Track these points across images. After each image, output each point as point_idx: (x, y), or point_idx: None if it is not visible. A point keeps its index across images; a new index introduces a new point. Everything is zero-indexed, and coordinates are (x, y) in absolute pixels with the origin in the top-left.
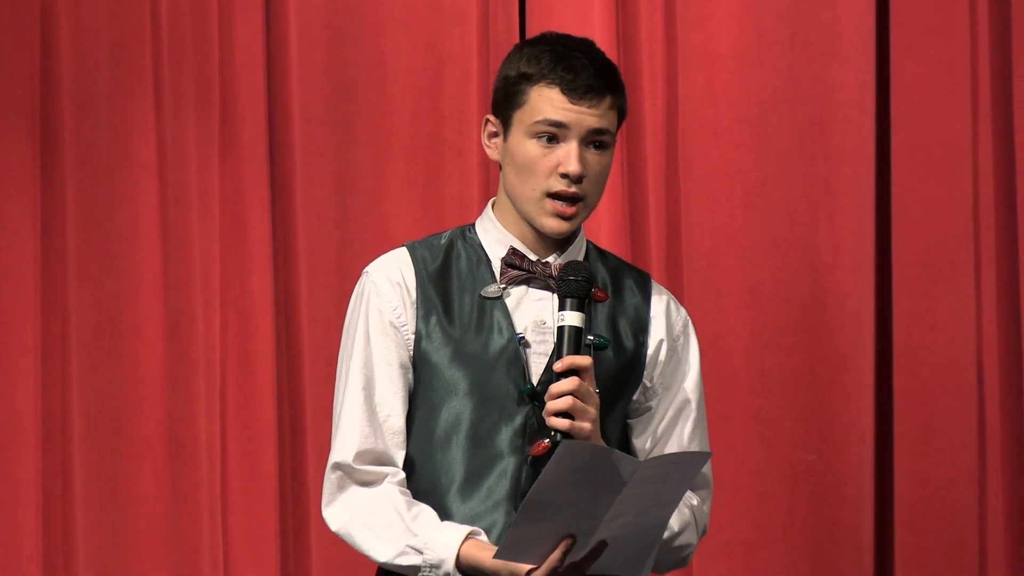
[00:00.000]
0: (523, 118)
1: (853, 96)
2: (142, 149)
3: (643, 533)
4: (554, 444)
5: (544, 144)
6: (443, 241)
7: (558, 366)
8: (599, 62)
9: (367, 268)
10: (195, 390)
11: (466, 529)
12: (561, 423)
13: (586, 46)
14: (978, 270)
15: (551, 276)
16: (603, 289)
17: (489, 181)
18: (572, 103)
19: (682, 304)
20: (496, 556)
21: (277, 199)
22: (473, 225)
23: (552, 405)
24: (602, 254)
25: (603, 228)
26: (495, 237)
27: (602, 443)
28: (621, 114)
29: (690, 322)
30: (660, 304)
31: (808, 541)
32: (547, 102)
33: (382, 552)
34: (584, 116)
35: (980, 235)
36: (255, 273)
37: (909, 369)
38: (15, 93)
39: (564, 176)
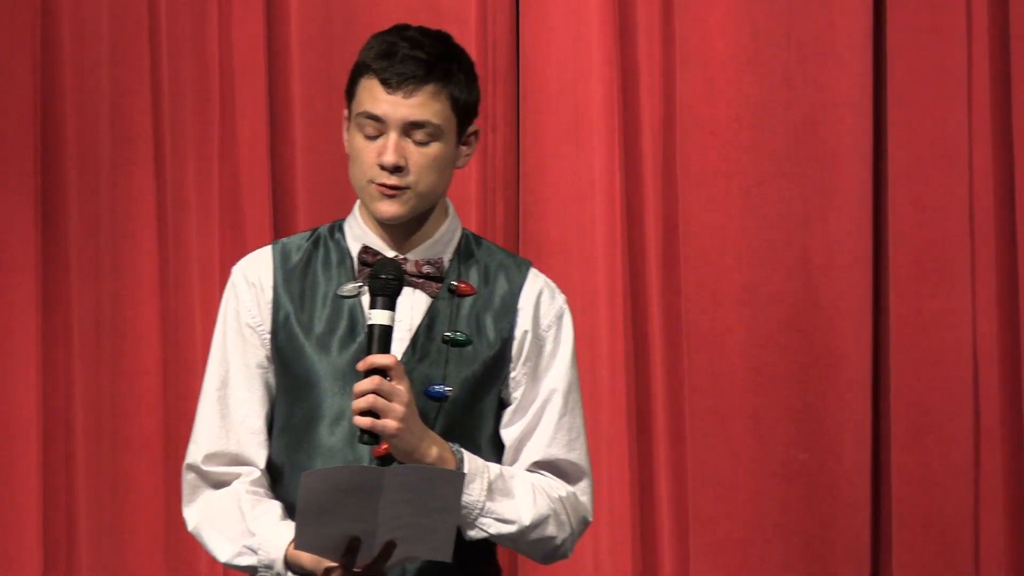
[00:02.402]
0: (353, 109)
1: (848, 96)
2: (141, 148)
3: (434, 532)
4: (360, 442)
5: (368, 136)
6: (311, 238)
7: (360, 366)
8: (426, 51)
9: (233, 267)
10: (194, 388)
11: None
12: (363, 421)
13: (423, 36)
14: (973, 269)
15: (407, 273)
16: (468, 283)
17: (486, 181)
18: (388, 94)
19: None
20: (296, 548)
21: (277, 198)
22: (343, 220)
23: (355, 404)
24: (479, 244)
25: (600, 226)
26: (355, 234)
27: (425, 438)
28: (458, 104)
29: (567, 312)
30: (531, 294)
31: (803, 539)
32: (367, 94)
33: (223, 552)
34: (399, 107)
35: (975, 235)
36: None
37: (904, 368)
38: (16, 92)
39: (382, 167)
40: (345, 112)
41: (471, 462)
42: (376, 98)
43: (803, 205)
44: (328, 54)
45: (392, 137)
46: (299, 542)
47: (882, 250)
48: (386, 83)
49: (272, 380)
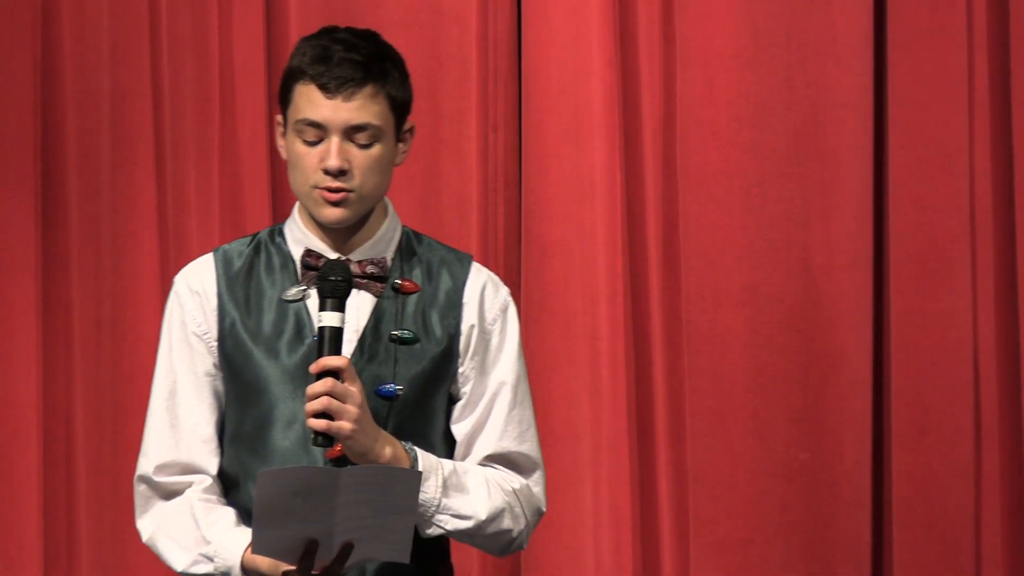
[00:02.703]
0: (291, 116)
1: (849, 97)
2: (140, 149)
3: (392, 533)
4: (314, 445)
5: (308, 142)
6: (251, 243)
7: (313, 368)
8: (361, 53)
9: (175, 276)
10: None
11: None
12: (318, 424)
13: (355, 38)
14: (974, 269)
15: (354, 275)
16: (412, 280)
17: (487, 180)
18: (327, 98)
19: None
20: (252, 552)
21: (277, 198)
22: (283, 224)
23: (309, 407)
24: (420, 241)
25: (600, 227)
26: (296, 237)
27: (380, 439)
28: (395, 102)
29: (511, 304)
30: (475, 288)
31: (804, 539)
32: (305, 100)
33: (179, 561)
34: (340, 111)
35: (976, 234)
36: None
37: (904, 367)
38: (17, 92)
39: (326, 172)
40: (279, 118)
41: (425, 459)
42: (315, 104)
43: (804, 205)
44: None
45: (334, 141)
46: (256, 546)
47: (883, 250)
48: (325, 88)
49: (221, 388)
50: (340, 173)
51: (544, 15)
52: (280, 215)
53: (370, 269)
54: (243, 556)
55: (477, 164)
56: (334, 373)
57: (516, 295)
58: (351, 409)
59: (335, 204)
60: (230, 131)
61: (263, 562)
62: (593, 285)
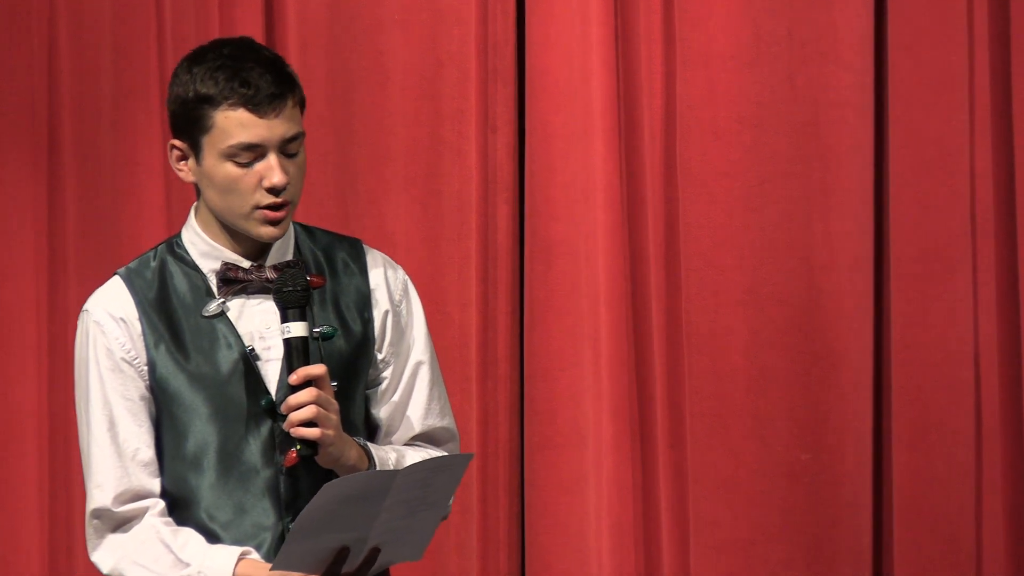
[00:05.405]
0: (214, 142)
1: (850, 96)
2: (144, 149)
3: (414, 533)
4: (300, 456)
5: (243, 164)
6: (154, 263)
7: (293, 379)
8: (269, 63)
9: (86, 306)
10: None
11: (237, 550)
12: (310, 432)
13: (251, 50)
14: (975, 269)
15: (267, 280)
16: (319, 274)
17: (487, 180)
18: (260, 118)
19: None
20: (273, 568)
21: None
22: (180, 238)
23: (296, 416)
24: (311, 234)
25: (600, 227)
26: (204, 251)
27: (348, 442)
28: (303, 104)
29: (409, 281)
30: (378, 273)
31: (806, 539)
32: (235, 124)
33: None
34: (275, 128)
35: (977, 234)
36: None
37: (906, 368)
38: (18, 93)
39: (270, 190)
40: (181, 145)
41: (376, 451)
42: (248, 126)
43: (805, 205)
44: (328, 54)
45: (273, 158)
46: (282, 560)
47: (884, 249)
48: (257, 109)
49: (153, 410)
50: (284, 188)
51: (543, 15)
52: None
53: None
54: (233, 573)
55: (477, 164)
56: (313, 382)
57: (518, 296)
58: (333, 416)
59: (277, 221)
60: None
61: (266, 574)
62: (594, 286)
